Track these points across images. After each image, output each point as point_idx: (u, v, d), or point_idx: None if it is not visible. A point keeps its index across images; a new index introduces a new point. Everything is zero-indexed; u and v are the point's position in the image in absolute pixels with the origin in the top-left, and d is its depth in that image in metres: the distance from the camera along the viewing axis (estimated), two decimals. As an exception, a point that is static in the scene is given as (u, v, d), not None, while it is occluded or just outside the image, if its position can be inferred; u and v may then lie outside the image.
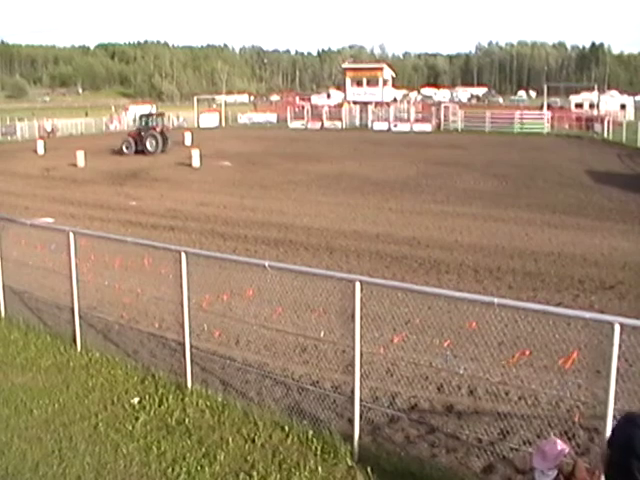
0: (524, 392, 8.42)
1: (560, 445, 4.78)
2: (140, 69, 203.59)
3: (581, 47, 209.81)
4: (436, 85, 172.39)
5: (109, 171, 35.79)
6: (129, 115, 77.02)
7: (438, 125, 64.04)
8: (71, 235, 10.04)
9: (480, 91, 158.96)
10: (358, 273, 12.01)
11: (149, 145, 44.35)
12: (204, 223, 21.54)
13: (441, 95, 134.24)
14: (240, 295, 11.43)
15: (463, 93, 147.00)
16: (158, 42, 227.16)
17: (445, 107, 67.98)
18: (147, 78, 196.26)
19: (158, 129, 45.38)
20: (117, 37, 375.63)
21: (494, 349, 8.67)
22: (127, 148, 44.56)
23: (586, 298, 12.90)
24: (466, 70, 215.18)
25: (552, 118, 61.01)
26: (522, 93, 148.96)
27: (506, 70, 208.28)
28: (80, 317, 10.29)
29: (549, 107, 68.43)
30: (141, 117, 47.97)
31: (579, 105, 69.31)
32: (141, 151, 44.03)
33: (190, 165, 37.06)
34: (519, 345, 8.87)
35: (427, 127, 63.29)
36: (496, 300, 6.11)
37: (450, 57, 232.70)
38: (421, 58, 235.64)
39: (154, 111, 78.75)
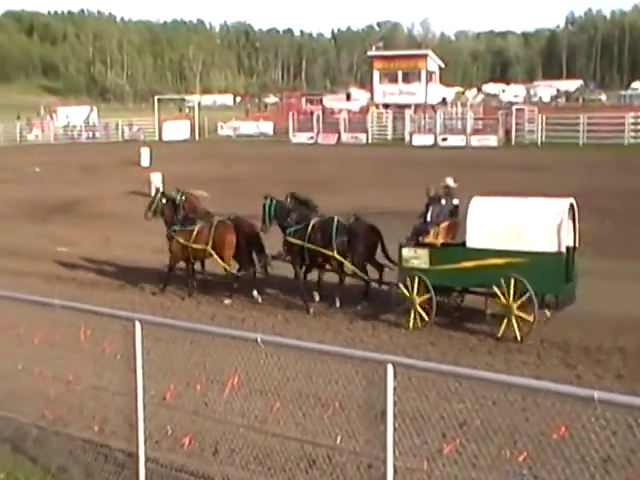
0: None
1: None
2: (73, 53, 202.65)
3: None
4: (505, 80, 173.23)
5: (28, 202, 36.00)
6: (59, 120, 77.18)
7: (507, 137, 64.43)
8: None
9: (572, 85, 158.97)
10: (390, 351, 12.05)
11: None
12: (167, 279, 21.60)
13: (512, 93, 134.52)
14: (220, 383, 11.45)
15: (545, 89, 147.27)
16: (100, 13, 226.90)
17: (518, 111, 68.39)
18: (84, 67, 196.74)
19: None
20: (37, 3, 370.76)
21: (595, 468, 8.60)
22: None
23: None
24: (550, 55, 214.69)
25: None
26: (638, 85, 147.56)
27: (613, 52, 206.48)
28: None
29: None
30: None
31: None
32: None
33: (147, 195, 37.24)
34: (634, 463, 8.82)
35: (491, 141, 63.68)
36: (596, 394, 6.14)
37: (526, 36, 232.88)
38: (482, 39, 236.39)
39: (95, 115, 79.58)
